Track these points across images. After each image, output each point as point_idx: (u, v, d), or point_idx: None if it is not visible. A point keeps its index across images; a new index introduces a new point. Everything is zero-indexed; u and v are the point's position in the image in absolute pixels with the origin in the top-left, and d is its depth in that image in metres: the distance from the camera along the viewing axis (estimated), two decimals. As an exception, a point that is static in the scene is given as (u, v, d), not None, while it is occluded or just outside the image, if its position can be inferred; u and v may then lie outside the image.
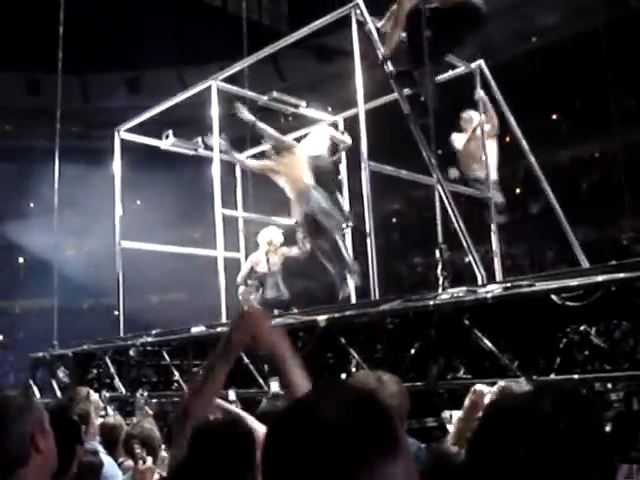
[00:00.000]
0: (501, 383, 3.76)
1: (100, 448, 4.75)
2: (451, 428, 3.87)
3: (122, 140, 9.34)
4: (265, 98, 8.51)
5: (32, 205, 33.87)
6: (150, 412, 6.39)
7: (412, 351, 5.08)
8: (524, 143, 7.57)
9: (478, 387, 3.37)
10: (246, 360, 6.34)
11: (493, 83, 7.74)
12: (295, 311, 6.76)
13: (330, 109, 9.94)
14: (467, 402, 3.33)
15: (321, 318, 5.54)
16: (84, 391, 5.81)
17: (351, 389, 0.97)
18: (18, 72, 34.25)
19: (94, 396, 6.03)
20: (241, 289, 8.96)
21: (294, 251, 8.89)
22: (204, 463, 2.32)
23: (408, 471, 0.90)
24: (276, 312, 8.02)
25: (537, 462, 1.28)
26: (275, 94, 8.46)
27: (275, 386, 5.81)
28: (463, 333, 4.83)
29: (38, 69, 29.96)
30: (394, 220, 28.85)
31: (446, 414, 4.72)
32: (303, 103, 8.76)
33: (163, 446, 4.72)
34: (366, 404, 0.92)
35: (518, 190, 24.22)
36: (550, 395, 1.37)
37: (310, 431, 0.88)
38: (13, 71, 33.90)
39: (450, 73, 7.89)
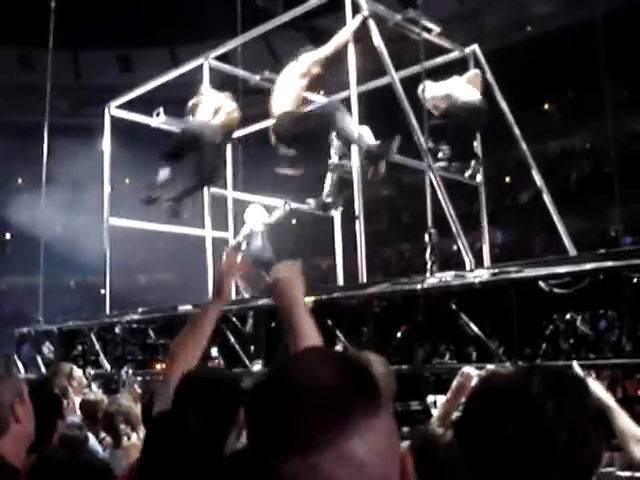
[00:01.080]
0: (490, 367, 3.77)
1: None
2: (435, 412, 3.88)
3: (112, 117, 9.28)
4: (257, 78, 8.46)
5: (20, 181, 33.73)
6: (138, 390, 6.36)
7: (398, 334, 5.09)
8: (516, 130, 7.54)
9: (466, 369, 3.38)
10: (232, 340, 6.34)
11: (487, 68, 7.70)
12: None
13: (322, 92, 9.89)
14: (454, 384, 3.34)
15: (308, 299, 5.52)
16: (67, 367, 5.80)
17: (332, 352, 0.96)
18: (9, 47, 33.94)
19: (78, 372, 6.01)
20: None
21: (276, 214, 8.84)
22: (189, 410, 2.30)
23: (389, 429, 0.89)
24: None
25: (525, 441, 1.28)
26: (267, 74, 8.41)
27: (257, 368, 5.82)
28: (450, 318, 4.84)
29: (29, 44, 29.68)
30: (383, 206, 28.86)
31: (431, 399, 4.74)
32: (296, 83, 8.70)
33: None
34: (348, 364, 0.92)
35: (508, 179, 24.28)
36: (538, 375, 1.37)
37: (291, 389, 0.88)
38: (4, 46, 33.60)
39: (444, 57, 7.87)
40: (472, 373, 3.35)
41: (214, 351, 5.98)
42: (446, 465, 1.95)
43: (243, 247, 8.68)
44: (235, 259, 2.80)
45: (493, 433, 1.31)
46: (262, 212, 8.98)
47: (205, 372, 2.75)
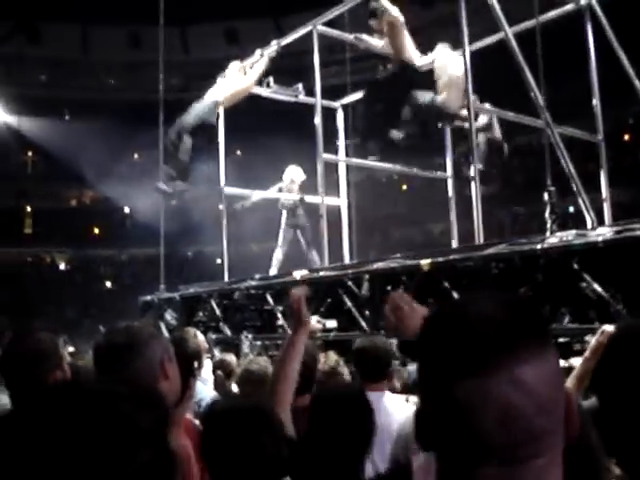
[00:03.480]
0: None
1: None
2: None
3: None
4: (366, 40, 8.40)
5: (137, 156, 34.85)
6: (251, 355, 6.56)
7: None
8: (638, 83, 7.20)
9: (607, 328, 3.29)
10: (349, 304, 6.40)
11: (604, 20, 7.37)
12: (398, 255, 6.71)
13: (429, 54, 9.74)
14: (593, 342, 3.26)
15: (424, 262, 5.51)
16: (192, 331, 6.03)
17: (503, 295, 1.00)
18: (119, 26, 34.94)
19: (201, 336, 6.24)
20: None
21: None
22: (325, 433, 2.34)
23: (556, 364, 0.94)
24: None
25: None
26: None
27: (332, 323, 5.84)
28: (571, 278, 4.72)
29: (138, 22, 30.48)
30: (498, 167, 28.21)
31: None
32: (405, 46, 8.60)
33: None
34: (519, 302, 0.97)
35: (627, 137, 23.32)
36: None
37: (468, 319, 0.93)
38: (113, 25, 34.62)
39: (558, 10, 7.59)
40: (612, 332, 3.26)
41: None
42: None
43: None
44: (303, 289, 2.86)
45: (635, 378, 1.29)
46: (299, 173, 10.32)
47: (335, 391, 2.76)
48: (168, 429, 1.11)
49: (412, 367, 6.04)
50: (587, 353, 3.27)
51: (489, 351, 0.88)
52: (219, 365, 5.48)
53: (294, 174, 10.76)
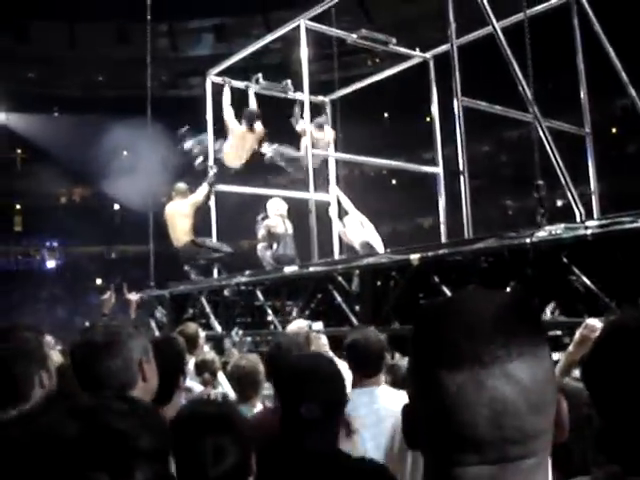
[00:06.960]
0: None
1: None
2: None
3: (212, 86, 9.42)
4: (354, 37, 8.39)
5: (126, 153, 34.69)
6: (235, 352, 6.51)
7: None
8: (624, 76, 7.21)
9: (590, 321, 3.28)
10: (338, 299, 6.40)
11: (591, 14, 7.38)
12: (387, 251, 6.70)
13: (418, 49, 9.74)
14: (577, 336, 3.25)
15: (414, 257, 5.50)
16: (192, 327, 5.97)
17: (499, 291, 1.00)
18: (108, 22, 34.76)
19: (202, 333, 6.21)
20: (259, 246, 9.57)
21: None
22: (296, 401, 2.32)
23: (550, 364, 0.92)
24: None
25: None
26: (364, 32, 8.34)
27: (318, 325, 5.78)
28: (561, 272, 4.73)
29: (126, 18, 30.35)
30: (485, 162, 28.31)
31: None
32: (393, 40, 8.60)
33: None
34: (515, 299, 0.96)
35: (614, 130, 23.38)
36: None
37: (463, 313, 0.92)
38: (103, 21, 34.44)
39: (544, 5, 7.59)
40: (597, 325, 3.25)
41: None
42: (578, 412, 1.90)
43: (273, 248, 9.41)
44: None
45: (625, 371, 1.29)
46: (282, 204, 9.62)
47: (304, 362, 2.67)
48: (169, 451, 1.10)
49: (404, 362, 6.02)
50: (571, 347, 3.26)
51: (484, 344, 0.87)
52: (202, 366, 5.39)
53: (278, 206, 9.81)
